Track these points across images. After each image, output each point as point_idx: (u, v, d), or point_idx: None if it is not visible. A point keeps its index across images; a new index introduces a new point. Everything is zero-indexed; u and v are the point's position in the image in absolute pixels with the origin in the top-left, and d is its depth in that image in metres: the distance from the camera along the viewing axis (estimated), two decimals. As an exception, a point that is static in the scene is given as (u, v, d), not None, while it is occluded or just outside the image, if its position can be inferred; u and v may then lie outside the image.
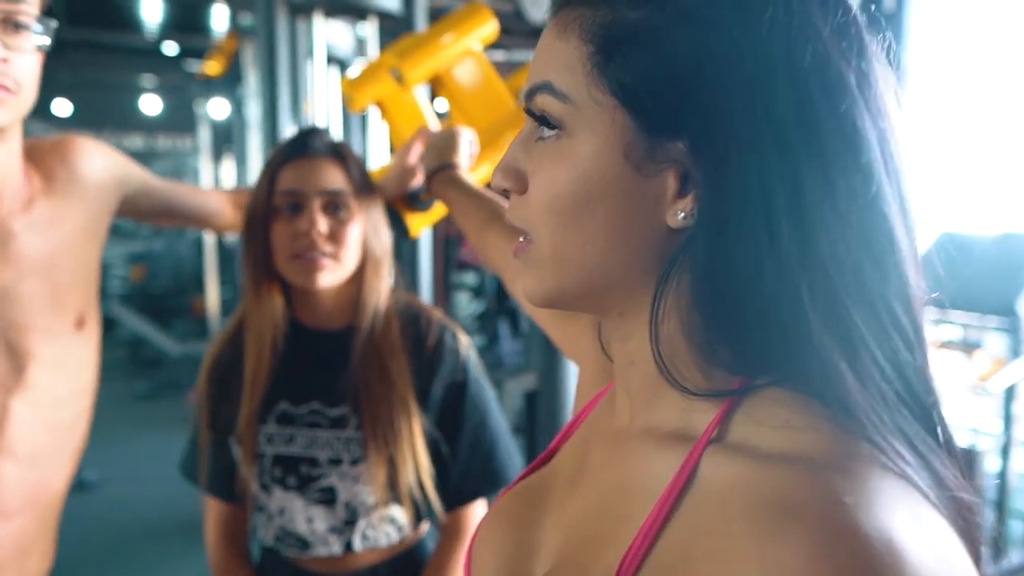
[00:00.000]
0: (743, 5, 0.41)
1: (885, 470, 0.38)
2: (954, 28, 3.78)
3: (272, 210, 1.09)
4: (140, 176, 1.19)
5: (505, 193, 0.51)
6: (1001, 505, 3.08)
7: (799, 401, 0.42)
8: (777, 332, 0.42)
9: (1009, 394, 3.09)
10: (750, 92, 0.40)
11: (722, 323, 0.43)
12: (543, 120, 0.47)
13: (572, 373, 1.79)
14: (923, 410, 0.42)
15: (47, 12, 0.95)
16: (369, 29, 2.82)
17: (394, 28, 3.03)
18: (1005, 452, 3.12)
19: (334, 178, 1.09)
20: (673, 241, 0.44)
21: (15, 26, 0.90)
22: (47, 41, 0.94)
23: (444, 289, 7.48)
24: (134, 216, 1.21)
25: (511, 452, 1.19)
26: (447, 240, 6.75)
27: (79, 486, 4.22)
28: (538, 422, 1.77)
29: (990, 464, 3.23)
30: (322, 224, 1.07)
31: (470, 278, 8.36)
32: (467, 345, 1.18)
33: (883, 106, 0.43)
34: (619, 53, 0.43)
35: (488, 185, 1.38)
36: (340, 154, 1.12)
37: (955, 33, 3.77)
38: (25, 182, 1.03)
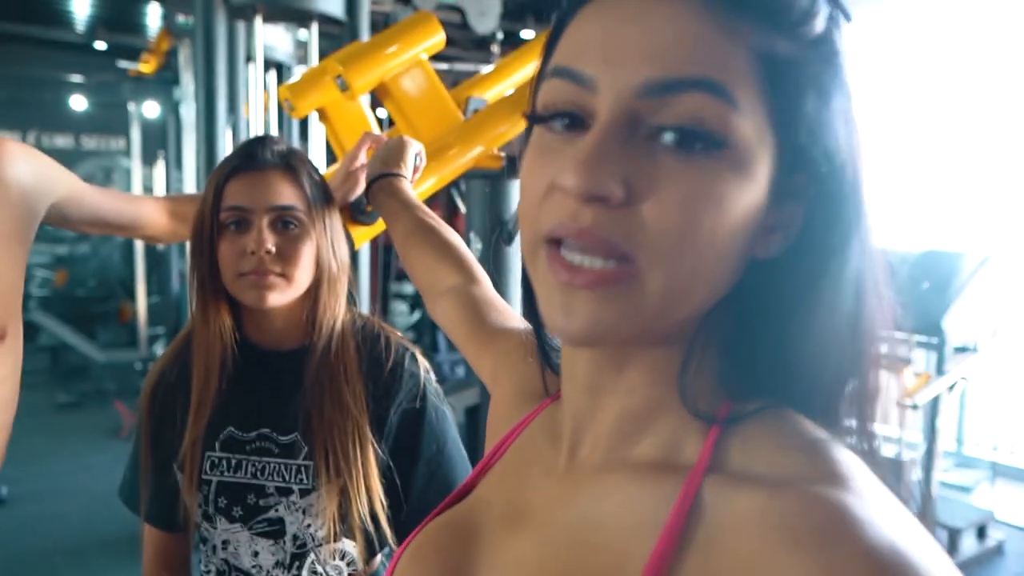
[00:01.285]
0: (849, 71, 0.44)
1: (873, 478, 0.39)
2: (877, 45, 3.93)
3: (218, 226, 1.03)
4: (69, 183, 1.13)
5: (596, 201, 0.40)
6: (924, 515, 3.19)
7: (787, 420, 0.43)
8: (797, 358, 0.44)
9: (933, 408, 3.21)
10: (850, 145, 0.43)
11: (752, 351, 0.45)
12: (694, 136, 0.39)
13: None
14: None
15: None
16: (311, 34, 2.77)
17: (336, 34, 2.99)
18: (928, 463, 3.25)
19: (284, 193, 1.04)
20: (746, 270, 0.44)
21: None
22: None
23: (382, 298, 7.40)
24: (62, 224, 1.15)
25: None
26: (386, 248, 6.67)
27: (-8, 502, 4.02)
28: (480, 439, 1.75)
29: (914, 474, 3.35)
30: (270, 242, 1.01)
31: (408, 287, 8.31)
32: (427, 369, 1.13)
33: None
34: (784, 81, 0.41)
35: (429, 200, 1.36)
36: (292, 166, 1.06)
37: (878, 50, 3.91)
38: None
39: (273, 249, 1.02)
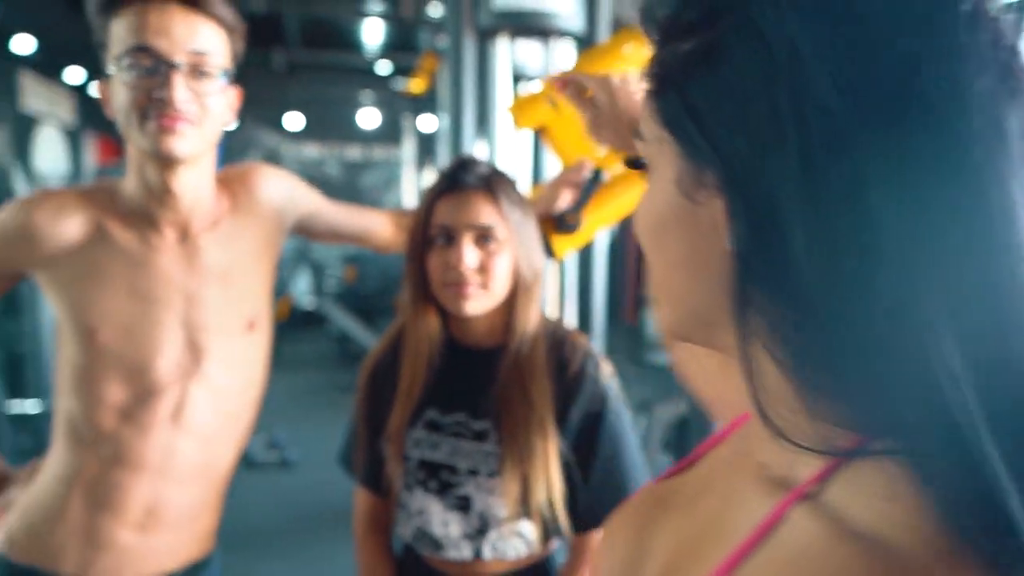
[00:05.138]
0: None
1: None
2: None
3: (428, 240, 1.16)
4: (311, 200, 1.32)
5: None
6: None
7: (911, 482, 0.35)
8: (895, 389, 0.35)
9: None
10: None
11: (813, 369, 0.38)
12: (638, 162, 0.50)
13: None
14: None
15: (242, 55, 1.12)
16: (555, 49, 2.90)
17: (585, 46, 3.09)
18: None
19: (484, 213, 1.14)
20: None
21: (200, 74, 1.05)
22: (226, 84, 1.09)
23: (635, 304, 7.44)
24: (307, 235, 1.35)
25: (644, 485, 1.18)
26: (640, 253, 6.68)
27: (283, 463, 4.68)
28: (688, 450, 1.75)
29: None
30: (471, 257, 1.13)
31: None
32: (609, 375, 1.19)
33: None
34: (665, 88, 0.45)
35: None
36: (492, 187, 1.16)
37: None
38: (215, 204, 1.18)
39: (474, 264, 1.13)
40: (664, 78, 0.45)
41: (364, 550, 1.28)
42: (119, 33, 1.03)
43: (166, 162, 1.06)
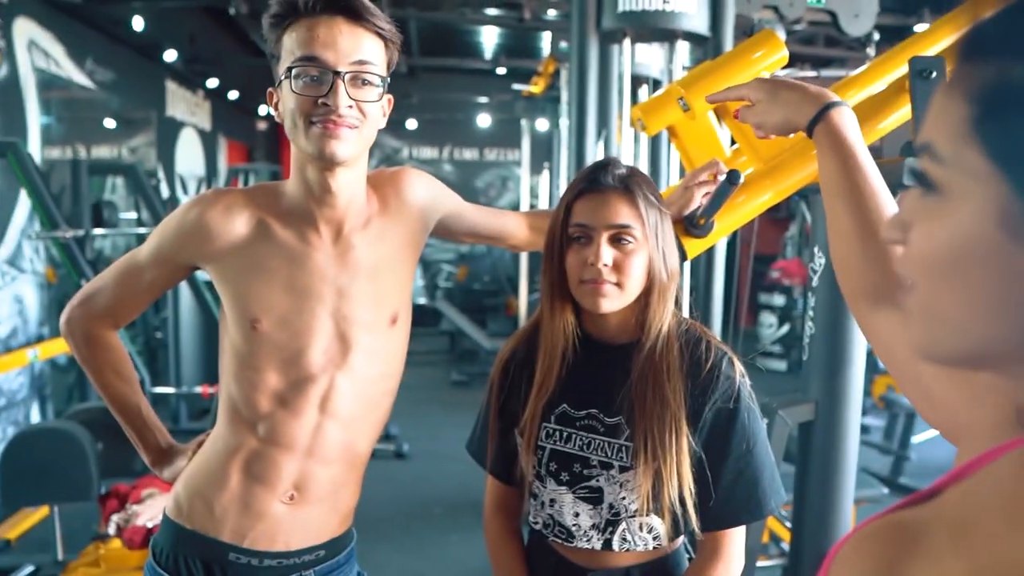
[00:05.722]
0: None
1: None
2: None
3: (566, 238, 1.20)
4: (453, 202, 1.39)
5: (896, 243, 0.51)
6: None
7: None
8: None
9: None
10: None
11: None
12: (921, 178, 0.46)
13: (854, 404, 1.68)
14: None
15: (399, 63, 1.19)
16: (678, 51, 2.90)
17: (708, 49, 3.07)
18: None
19: (621, 212, 1.16)
20: None
21: (362, 82, 1.12)
22: (382, 91, 1.16)
23: (750, 308, 7.24)
24: (446, 235, 1.41)
25: (776, 484, 1.18)
26: (757, 258, 6.54)
27: (397, 455, 4.85)
28: (812, 455, 1.71)
29: None
30: (607, 256, 1.15)
31: (778, 299, 8.03)
32: (742, 374, 1.20)
33: None
34: (1001, 116, 0.41)
35: (770, 212, 1.38)
36: (629, 187, 1.18)
37: None
38: (366, 204, 1.26)
39: (610, 263, 1.15)
40: (1004, 107, 0.41)
41: (494, 535, 1.33)
42: (289, 45, 1.12)
43: (328, 163, 1.13)
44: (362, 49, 1.12)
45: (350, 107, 1.11)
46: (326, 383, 1.22)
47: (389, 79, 1.19)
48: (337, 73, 1.09)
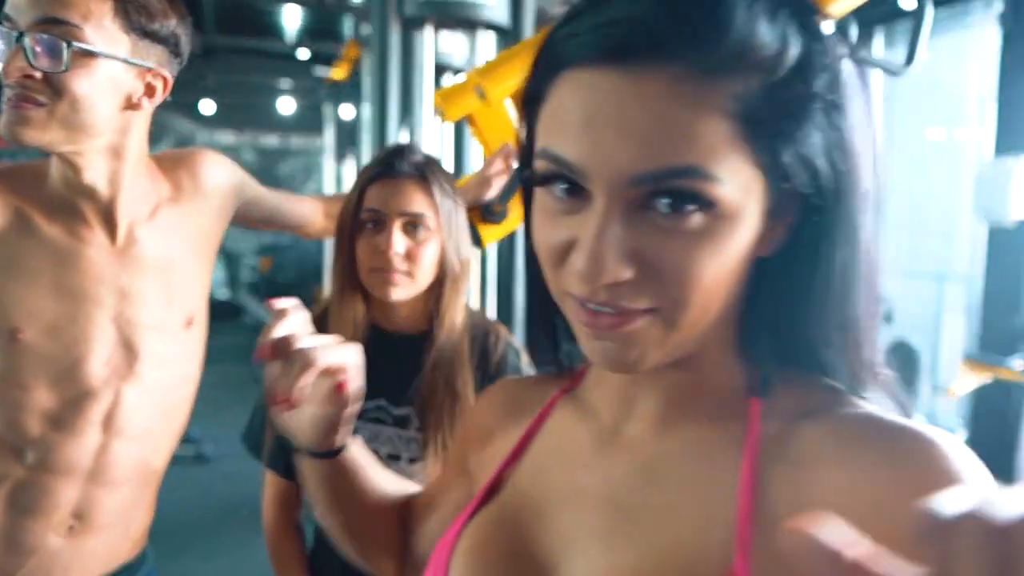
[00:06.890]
0: (850, 98, 0.47)
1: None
2: None
3: (358, 225, 1.17)
4: (253, 187, 1.29)
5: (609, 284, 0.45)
6: None
7: (810, 379, 0.51)
8: (802, 336, 0.50)
9: None
10: (850, 162, 0.47)
11: (767, 328, 0.51)
12: (685, 198, 0.43)
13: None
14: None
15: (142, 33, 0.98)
16: (481, 41, 2.93)
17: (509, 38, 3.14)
18: None
19: (416, 200, 1.15)
20: (754, 267, 0.48)
21: (48, 48, 0.91)
22: (92, 62, 0.95)
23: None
24: (244, 223, 1.31)
25: None
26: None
27: (198, 458, 4.57)
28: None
29: None
30: (399, 244, 1.14)
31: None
32: (528, 363, 1.22)
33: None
34: (766, 126, 0.43)
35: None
36: (425, 175, 1.17)
37: None
38: (152, 191, 1.11)
39: (401, 251, 1.14)
40: (766, 122, 0.43)
41: (272, 532, 1.29)
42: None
43: (16, 144, 0.96)
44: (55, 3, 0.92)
45: (28, 78, 0.92)
46: (110, 398, 1.08)
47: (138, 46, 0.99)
48: (22, 35, 0.92)
